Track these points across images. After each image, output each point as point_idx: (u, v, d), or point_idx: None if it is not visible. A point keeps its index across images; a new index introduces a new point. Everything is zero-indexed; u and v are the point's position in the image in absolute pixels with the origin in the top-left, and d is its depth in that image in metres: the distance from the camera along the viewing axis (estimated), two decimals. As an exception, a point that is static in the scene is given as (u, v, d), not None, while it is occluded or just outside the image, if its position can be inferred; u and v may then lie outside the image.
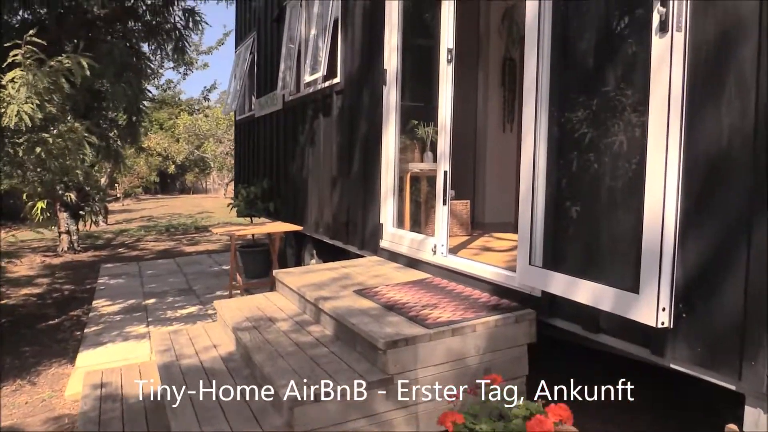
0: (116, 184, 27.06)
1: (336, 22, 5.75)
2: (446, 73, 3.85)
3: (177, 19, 6.71)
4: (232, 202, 7.94)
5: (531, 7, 2.96)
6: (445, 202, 3.88)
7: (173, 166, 28.51)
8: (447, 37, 3.83)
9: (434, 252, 3.94)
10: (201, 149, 28.69)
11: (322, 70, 5.76)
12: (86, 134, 5.12)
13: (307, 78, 6.26)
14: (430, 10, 6.00)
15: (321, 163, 6.24)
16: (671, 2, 2.08)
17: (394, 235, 4.55)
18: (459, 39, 6.79)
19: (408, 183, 4.91)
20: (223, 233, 5.79)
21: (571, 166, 2.82)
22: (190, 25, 6.60)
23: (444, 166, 3.87)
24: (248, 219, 8.50)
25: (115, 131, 6.73)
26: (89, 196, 12.15)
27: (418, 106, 5.48)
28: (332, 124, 5.91)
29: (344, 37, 5.57)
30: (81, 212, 11.49)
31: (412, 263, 4.26)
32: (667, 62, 2.11)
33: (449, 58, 3.83)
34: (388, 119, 4.65)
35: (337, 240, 5.79)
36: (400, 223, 4.75)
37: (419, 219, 5.18)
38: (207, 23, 6.64)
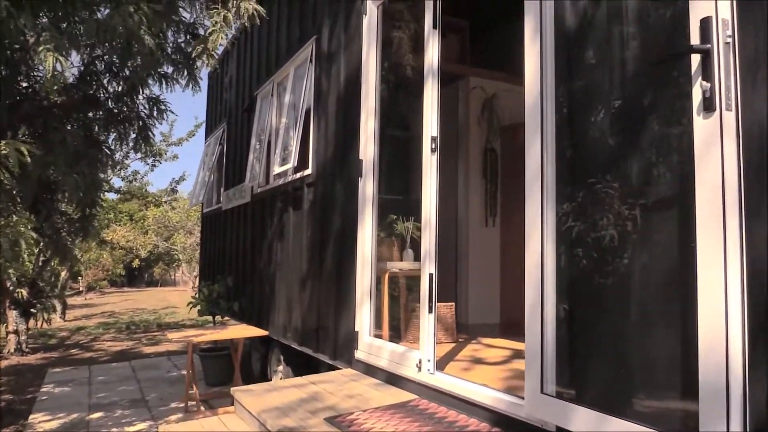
0: (79, 278, 25.99)
1: (308, 111, 5.42)
2: (430, 164, 3.44)
3: (141, 107, 6.35)
4: (193, 300, 7.30)
5: (531, 89, 2.59)
6: (431, 310, 3.35)
7: (137, 260, 27.60)
8: (431, 125, 3.46)
9: (419, 368, 3.37)
10: (170, 241, 27.97)
11: (293, 161, 5.36)
12: (25, 229, 4.55)
13: (277, 169, 5.85)
14: (407, 97, 5.74)
15: (290, 260, 5.72)
16: (716, 75, 1.70)
17: (371, 346, 3.98)
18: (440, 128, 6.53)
19: (386, 284, 4.40)
20: (180, 339, 5.15)
21: (588, 271, 2.36)
22: (155, 113, 6.22)
23: (429, 267, 3.38)
24: (214, 316, 7.81)
25: (65, 225, 6.17)
26: (42, 292, 11.35)
27: (396, 199, 5.07)
28: (303, 218, 5.44)
29: (317, 126, 5.22)
30: (33, 309, 10.65)
31: (393, 379, 3.67)
32: (717, 146, 1.70)
33: (433, 147, 3.44)
34: (364, 213, 4.20)
35: (307, 347, 5.17)
36: (377, 330, 4.19)
37: (398, 325, 4.64)
38: (173, 112, 6.28)
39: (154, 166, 13.12)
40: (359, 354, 4.10)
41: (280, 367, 6.39)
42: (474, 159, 6.33)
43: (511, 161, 6.44)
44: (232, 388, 3.92)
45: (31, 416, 6.06)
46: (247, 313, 7.08)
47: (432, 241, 3.38)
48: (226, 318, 7.73)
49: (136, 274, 35.15)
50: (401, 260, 4.67)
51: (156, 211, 24.62)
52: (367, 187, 4.18)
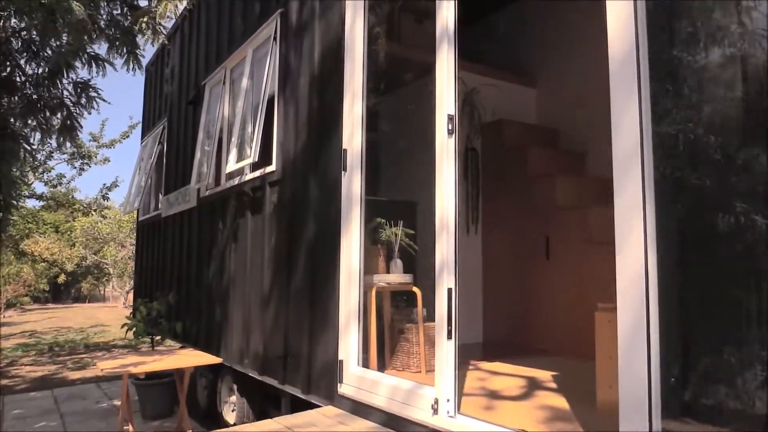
0: (-4, 294, 23.92)
1: (271, 98, 4.60)
2: (447, 150, 2.71)
3: (66, 93, 5.36)
4: (128, 321, 6.29)
5: (620, 41, 1.89)
6: (450, 335, 2.60)
7: (63, 275, 25.61)
8: (446, 101, 2.73)
9: (435, 410, 2.61)
10: (100, 254, 26.15)
11: (253, 156, 4.52)
12: None
13: (231, 167, 4.99)
14: (394, 76, 5.01)
15: (247, 273, 4.85)
16: None
17: (362, 379, 3.19)
18: (411, 127, 5.81)
19: (373, 301, 3.62)
20: (113, 371, 4.21)
21: (717, 286, 1.67)
22: (83, 101, 5.26)
23: (447, 281, 2.63)
24: (153, 338, 6.76)
25: (-31, 233, 5.12)
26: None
27: (380, 201, 4.32)
28: (264, 224, 4.60)
29: (283, 114, 4.41)
30: (-65, 332, 9.27)
31: (396, 423, 2.89)
32: None
33: (450, 128, 2.71)
34: (349, 216, 3.42)
35: (270, 377, 4.32)
36: (365, 359, 3.40)
37: (383, 352, 3.87)
38: (104, 99, 5.33)
39: (83, 169, 11.86)
40: (345, 389, 3.30)
41: (233, 398, 5.49)
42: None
43: (494, 161, 5.81)
44: (183, 440, 3.05)
45: None
46: (193, 335, 6.12)
47: (450, 249, 2.64)
48: (167, 341, 6.73)
49: (62, 290, 32.82)
50: (387, 272, 3.91)
51: (84, 221, 22.88)
52: (353, 184, 3.41)
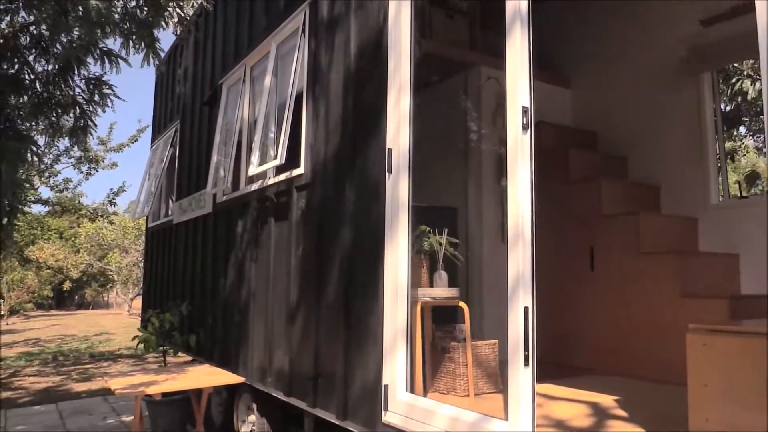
0: (0, 300, 23.61)
1: (299, 96, 4.26)
2: (521, 146, 2.36)
3: (78, 90, 5.04)
4: (139, 333, 5.94)
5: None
6: (527, 362, 2.24)
7: (68, 282, 25.28)
8: (520, 92, 2.38)
9: (510, 449, 2.25)
10: (104, 261, 25.84)
11: (280, 158, 4.17)
12: None
13: (254, 170, 4.64)
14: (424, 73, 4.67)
15: (270, 284, 4.51)
16: None
17: (413, 407, 2.83)
18: (441, 129, 5.45)
19: (419, 318, 3.26)
20: (125, 390, 3.86)
21: None
22: (96, 98, 4.94)
23: (524, 299, 2.28)
24: (165, 352, 6.40)
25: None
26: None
27: (421, 206, 3.96)
28: (290, 231, 4.25)
29: (312, 113, 4.07)
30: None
31: (455, 460, 2.53)
32: None
33: (525, 122, 2.36)
34: (395, 224, 3.07)
35: (299, 399, 3.96)
36: (411, 384, 3.04)
37: (424, 373, 3.50)
38: (118, 97, 5.00)
39: (90, 174, 11.53)
40: (390, 417, 2.94)
41: (252, 417, 5.13)
42: (487, 164, 5.31)
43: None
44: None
45: None
46: (207, 349, 5.77)
47: (527, 261, 2.29)
48: (180, 354, 6.38)
49: (66, 296, 32.50)
50: (431, 285, 3.55)
51: (90, 227, 22.57)
52: (400, 188, 3.06)
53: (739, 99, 7.84)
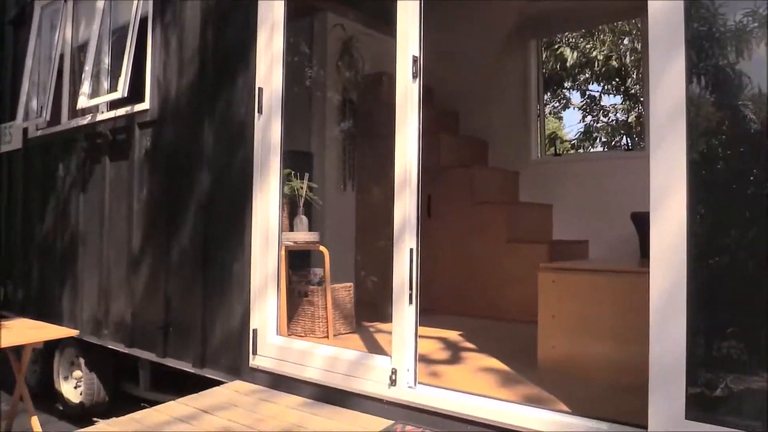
0: None
1: (143, 22, 3.87)
2: (410, 95, 2.41)
3: None
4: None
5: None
6: (411, 300, 2.37)
7: None
8: (410, 38, 2.42)
9: (393, 381, 2.38)
10: None
11: (122, 91, 3.78)
12: None
13: (86, 102, 4.15)
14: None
15: (106, 230, 4.13)
16: None
17: (287, 350, 2.84)
18: (291, 67, 5.35)
19: (284, 262, 3.24)
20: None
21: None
22: None
23: (410, 240, 2.38)
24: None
25: None
26: None
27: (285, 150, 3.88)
28: (132, 173, 3.91)
29: (161, 43, 3.72)
30: None
31: (337, 397, 2.60)
32: None
33: (414, 71, 2.41)
34: (265, 167, 2.98)
35: (144, 349, 3.75)
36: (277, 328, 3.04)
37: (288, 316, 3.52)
38: None
39: None
40: (261, 361, 2.92)
41: (78, 373, 4.74)
42: (330, 110, 5.34)
43: (371, 116, 5.56)
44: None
45: None
46: (18, 302, 5.15)
47: (412, 205, 2.38)
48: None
49: None
50: (291, 229, 3.54)
51: None
52: (272, 130, 2.96)
53: (558, 65, 8.79)
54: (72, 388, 4.84)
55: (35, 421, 3.78)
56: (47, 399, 4.89)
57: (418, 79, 2.41)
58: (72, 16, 4.65)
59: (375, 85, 5.49)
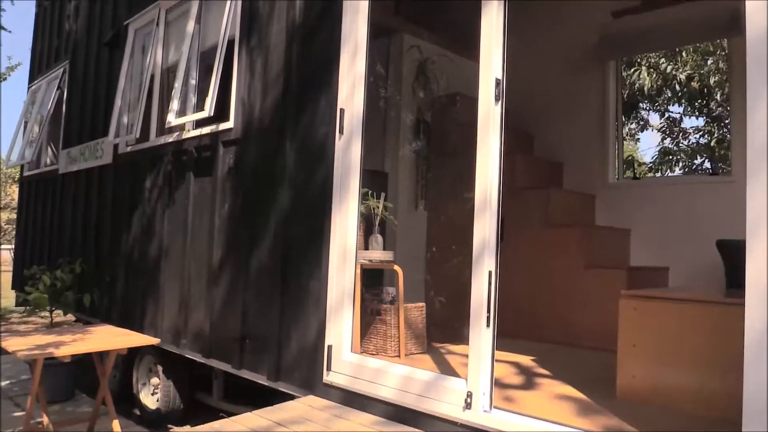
0: None
1: (229, 45, 4.05)
2: (492, 117, 2.41)
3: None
4: (26, 292, 5.44)
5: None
6: (489, 323, 2.35)
7: None
8: (493, 62, 2.43)
9: (468, 405, 2.35)
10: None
11: (209, 110, 3.96)
12: None
13: (174, 121, 4.36)
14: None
15: (188, 244, 4.30)
16: None
17: (361, 368, 2.86)
18: (378, 93, 5.42)
19: (359, 280, 3.28)
20: (31, 353, 3.53)
21: None
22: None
23: (488, 263, 2.36)
24: (51, 312, 5.85)
25: None
26: None
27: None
28: (215, 189, 4.06)
29: (246, 65, 3.88)
30: None
31: (407, 417, 2.60)
32: None
33: (497, 93, 2.41)
34: (344, 186, 3.04)
35: (221, 360, 3.86)
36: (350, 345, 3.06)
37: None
38: (3, 27, 4.45)
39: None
40: (334, 377, 2.95)
41: (155, 380, 4.93)
42: (405, 131, 5.38)
43: (445, 136, 5.57)
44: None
45: None
46: (103, 309, 5.42)
47: (492, 227, 2.37)
48: (68, 315, 5.93)
49: None
50: (365, 248, 3.58)
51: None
52: (352, 151, 3.02)
53: (636, 87, 8.57)
54: (149, 394, 5.03)
55: (116, 424, 3.95)
56: (126, 404, 5.11)
57: (500, 102, 2.41)
58: (163, 39, 4.91)
59: (449, 105, 5.50)
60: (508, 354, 3.72)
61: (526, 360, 3.63)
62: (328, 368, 2.99)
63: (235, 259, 3.81)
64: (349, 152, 3.03)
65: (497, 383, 2.87)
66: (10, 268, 8.97)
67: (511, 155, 5.10)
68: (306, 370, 3.17)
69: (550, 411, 2.44)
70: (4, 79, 12.14)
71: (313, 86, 3.32)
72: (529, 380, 3.08)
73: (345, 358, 2.94)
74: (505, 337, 4.36)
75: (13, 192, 16.40)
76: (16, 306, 8.68)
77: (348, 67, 3.07)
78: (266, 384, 3.45)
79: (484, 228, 2.38)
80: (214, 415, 4.26)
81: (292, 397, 3.18)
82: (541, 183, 5.27)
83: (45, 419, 3.86)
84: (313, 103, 3.31)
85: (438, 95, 5.58)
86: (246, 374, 3.64)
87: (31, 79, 8.07)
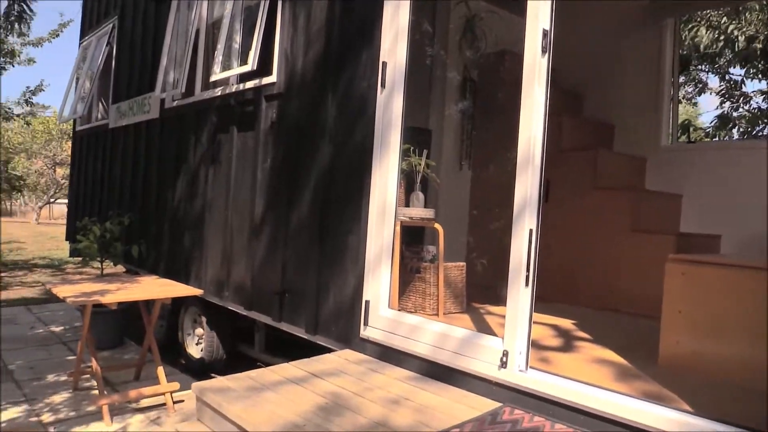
0: None
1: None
2: (539, 70, 2.32)
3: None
4: (77, 242, 5.63)
5: None
6: (528, 282, 2.30)
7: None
8: (541, 11, 2.32)
9: (504, 364, 2.33)
10: (10, 165, 24.11)
11: (252, 64, 3.94)
12: None
13: (217, 75, 4.37)
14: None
15: (230, 198, 4.35)
16: None
17: (398, 323, 2.86)
18: (413, 43, 5.33)
19: (398, 237, 3.25)
20: (77, 299, 3.68)
21: None
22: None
23: (530, 221, 2.30)
24: (102, 262, 6.06)
25: None
26: None
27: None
28: (257, 143, 4.08)
29: (289, 19, 3.83)
30: None
31: (444, 374, 2.60)
32: None
33: (544, 45, 2.31)
34: (385, 141, 3.00)
35: (262, 313, 3.93)
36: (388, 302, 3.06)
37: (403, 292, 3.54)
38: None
39: (3, 68, 10.47)
40: (371, 332, 2.97)
41: (200, 331, 5.08)
42: (450, 89, 5.27)
43: (492, 95, 5.44)
44: (195, 385, 2.64)
45: None
46: (150, 261, 5.58)
47: (534, 184, 2.30)
48: (118, 266, 6.13)
49: (-37, 201, 30.28)
50: (407, 205, 3.54)
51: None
52: (394, 105, 2.97)
53: (694, 47, 8.12)
54: (194, 344, 5.19)
55: (161, 372, 4.08)
56: (172, 353, 5.28)
57: (547, 54, 2.31)
58: (209, -6, 4.89)
59: (497, 63, 5.35)
60: (546, 317, 3.67)
61: (565, 323, 3.57)
62: (365, 323, 3.01)
63: (276, 213, 3.84)
64: (390, 106, 2.98)
65: (534, 345, 2.83)
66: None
67: (557, 116, 4.98)
68: (343, 325, 3.20)
69: (587, 374, 2.39)
70: (57, 35, 12.39)
71: (356, 39, 3.26)
72: (567, 343, 3.04)
73: (382, 313, 2.95)
74: (546, 300, 4.33)
75: (68, 148, 16.91)
76: (69, 257, 9.04)
77: (391, 19, 3.00)
78: (304, 337, 3.50)
79: (526, 184, 2.31)
80: (256, 366, 4.37)
81: (329, 351, 3.22)
82: (589, 145, 5.10)
83: (94, 364, 4.02)
84: (355, 56, 3.26)
85: (485, 53, 5.43)
86: (285, 327, 3.69)
87: (82, 35, 8.20)
